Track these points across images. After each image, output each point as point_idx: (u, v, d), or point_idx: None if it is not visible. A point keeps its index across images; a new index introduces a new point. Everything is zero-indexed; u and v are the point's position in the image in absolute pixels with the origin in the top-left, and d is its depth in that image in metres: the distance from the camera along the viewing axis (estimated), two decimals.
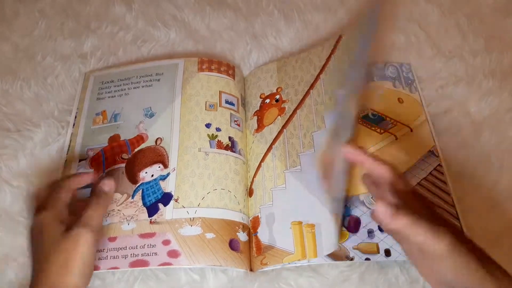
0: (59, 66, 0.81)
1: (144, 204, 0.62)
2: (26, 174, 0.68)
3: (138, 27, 0.88)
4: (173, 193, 0.63)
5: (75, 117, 0.73)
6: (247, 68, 0.82)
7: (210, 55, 0.83)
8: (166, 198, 0.63)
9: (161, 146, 0.68)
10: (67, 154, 0.69)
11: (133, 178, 0.65)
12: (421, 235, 0.43)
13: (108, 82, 0.76)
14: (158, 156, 0.66)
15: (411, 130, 0.70)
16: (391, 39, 0.85)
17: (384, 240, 0.59)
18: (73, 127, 0.72)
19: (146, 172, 0.65)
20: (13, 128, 0.73)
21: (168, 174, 0.64)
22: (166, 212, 0.61)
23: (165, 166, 0.66)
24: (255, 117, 0.72)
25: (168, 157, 0.66)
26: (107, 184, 0.54)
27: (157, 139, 0.68)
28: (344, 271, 0.60)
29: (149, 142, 0.68)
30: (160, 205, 0.62)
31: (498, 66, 0.80)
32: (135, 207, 0.62)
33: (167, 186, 0.64)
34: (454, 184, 0.66)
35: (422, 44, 0.84)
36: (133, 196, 0.63)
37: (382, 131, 0.70)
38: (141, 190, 0.64)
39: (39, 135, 0.72)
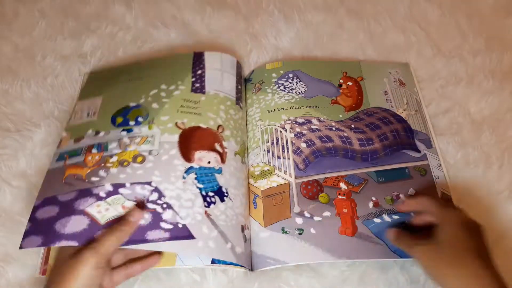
0: (59, 66, 0.81)
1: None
2: (26, 174, 0.68)
3: (138, 27, 0.88)
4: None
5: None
6: (247, 68, 0.82)
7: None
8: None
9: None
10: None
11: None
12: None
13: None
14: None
15: None
16: (391, 39, 0.85)
17: None
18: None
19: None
20: (13, 128, 0.73)
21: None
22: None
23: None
24: None
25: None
26: (136, 215, 0.54)
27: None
28: (344, 271, 0.60)
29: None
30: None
31: (498, 66, 0.80)
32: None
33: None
34: (453, 184, 0.67)
35: (422, 44, 0.84)
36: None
37: None
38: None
39: (39, 135, 0.72)
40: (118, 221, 0.53)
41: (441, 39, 0.85)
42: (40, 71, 0.80)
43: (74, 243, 0.52)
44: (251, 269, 0.59)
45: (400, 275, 0.60)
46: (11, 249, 0.61)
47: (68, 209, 0.55)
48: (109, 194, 0.57)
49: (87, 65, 0.81)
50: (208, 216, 0.58)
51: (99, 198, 0.56)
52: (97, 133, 0.64)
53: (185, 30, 0.87)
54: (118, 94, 0.70)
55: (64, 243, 0.52)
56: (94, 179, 0.58)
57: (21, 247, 0.52)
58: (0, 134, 0.72)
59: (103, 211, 0.55)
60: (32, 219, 0.55)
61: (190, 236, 0.55)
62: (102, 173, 0.59)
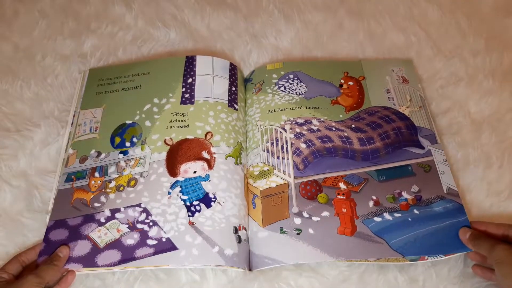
0: (59, 66, 0.81)
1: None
2: (26, 174, 0.68)
3: (138, 27, 0.88)
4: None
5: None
6: (247, 68, 0.82)
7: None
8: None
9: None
10: (65, 152, 0.69)
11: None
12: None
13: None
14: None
15: None
16: (391, 39, 0.85)
17: None
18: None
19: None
20: (13, 128, 0.73)
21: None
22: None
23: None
24: None
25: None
26: (63, 251, 0.59)
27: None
28: (343, 271, 0.60)
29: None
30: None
31: (498, 66, 0.80)
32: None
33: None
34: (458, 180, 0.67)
35: (422, 44, 0.84)
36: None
37: None
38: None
39: (39, 135, 0.72)
40: (52, 257, 0.58)
41: (441, 39, 0.85)
42: (40, 71, 0.80)
43: (79, 266, 0.58)
44: (250, 269, 0.60)
45: (399, 275, 0.59)
46: (11, 249, 0.61)
47: (75, 234, 0.61)
48: (107, 219, 0.62)
49: (87, 65, 0.81)
50: (192, 224, 0.61)
51: (100, 224, 0.62)
52: (99, 154, 0.68)
53: (185, 30, 0.87)
54: (117, 107, 0.73)
55: (71, 265, 0.58)
56: (96, 204, 0.64)
57: (36, 265, 0.58)
58: (0, 134, 0.72)
59: (102, 235, 0.61)
60: (46, 239, 0.60)
61: (173, 248, 0.59)
62: (102, 198, 0.64)
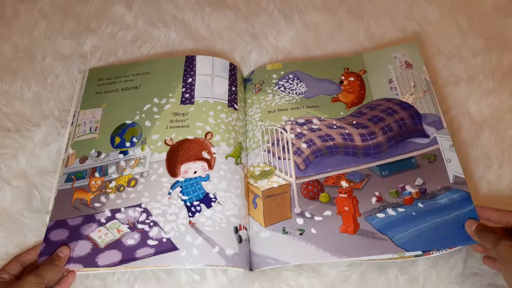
0: (59, 66, 0.81)
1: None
2: (26, 174, 0.68)
3: (138, 27, 0.88)
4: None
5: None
6: (247, 68, 0.82)
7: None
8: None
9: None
10: (65, 152, 0.69)
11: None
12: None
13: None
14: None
15: None
16: (391, 39, 0.85)
17: None
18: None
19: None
20: (13, 128, 0.73)
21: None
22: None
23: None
24: None
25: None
26: (63, 251, 0.59)
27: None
28: (344, 271, 0.60)
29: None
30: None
31: (498, 66, 0.80)
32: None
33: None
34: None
35: (422, 44, 0.84)
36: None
37: None
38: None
39: (39, 135, 0.72)
40: (53, 257, 0.58)
41: (441, 39, 0.85)
42: (40, 71, 0.80)
43: (80, 266, 0.58)
44: (251, 269, 0.59)
45: (399, 275, 0.60)
46: (12, 249, 0.61)
47: (75, 234, 0.61)
48: (108, 219, 0.62)
49: (87, 65, 0.81)
50: (193, 225, 0.61)
51: (100, 224, 0.62)
52: (99, 154, 0.68)
53: (185, 30, 0.87)
54: (117, 106, 0.73)
55: (72, 266, 0.58)
56: (96, 205, 0.64)
57: (37, 265, 0.58)
58: (0, 134, 0.72)
59: (103, 236, 0.61)
60: (46, 239, 0.60)
61: (173, 248, 0.59)
62: (103, 199, 0.64)
